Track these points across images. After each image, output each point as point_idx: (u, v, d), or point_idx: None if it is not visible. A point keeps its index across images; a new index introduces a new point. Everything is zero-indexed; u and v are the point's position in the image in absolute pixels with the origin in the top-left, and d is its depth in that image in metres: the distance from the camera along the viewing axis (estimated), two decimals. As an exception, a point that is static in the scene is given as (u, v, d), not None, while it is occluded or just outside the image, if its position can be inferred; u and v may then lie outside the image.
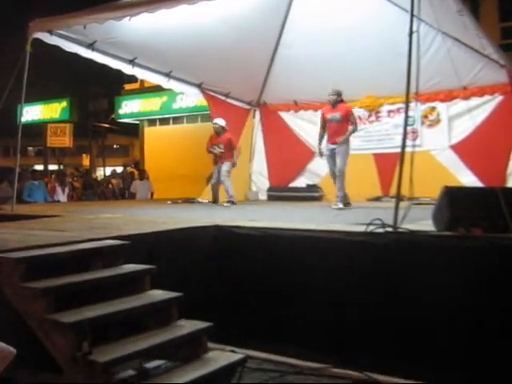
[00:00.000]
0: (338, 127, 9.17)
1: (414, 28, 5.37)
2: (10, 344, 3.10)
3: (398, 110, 11.31)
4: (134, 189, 15.89)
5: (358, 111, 12.11)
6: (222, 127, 10.69)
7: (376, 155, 11.80)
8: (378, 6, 9.60)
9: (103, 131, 33.41)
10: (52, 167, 30.94)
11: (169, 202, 11.19)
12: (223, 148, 10.57)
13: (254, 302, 5.25)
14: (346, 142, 9.18)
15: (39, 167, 27.00)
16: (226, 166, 10.60)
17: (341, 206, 8.89)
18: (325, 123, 9.45)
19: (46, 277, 3.82)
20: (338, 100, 9.25)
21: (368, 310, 4.70)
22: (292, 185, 12.69)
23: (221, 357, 4.00)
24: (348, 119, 9.21)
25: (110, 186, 17.72)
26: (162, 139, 19.80)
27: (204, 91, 12.09)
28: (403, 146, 5.21)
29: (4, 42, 24.98)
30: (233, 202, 10.36)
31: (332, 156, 9.26)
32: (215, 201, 10.75)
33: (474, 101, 10.75)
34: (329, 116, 9.30)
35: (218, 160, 10.70)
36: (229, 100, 12.64)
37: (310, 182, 12.28)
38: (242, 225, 5.74)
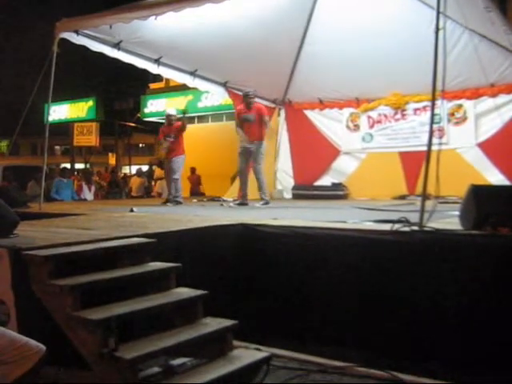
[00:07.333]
0: (252, 127, 9.48)
1: (441, 25, 5.30)
2: (37, 340, 3.14)
3: (424, 107, 11.17)
4: (161, 188, 15.90)
5: (383, 109, 12.08)
6: (172, 115, 10.34)
7: (402, 153, 11.69)
8: (404, 2, 9.54)
9: (129, 130, 33.70)
10: (78, 166, 31.24)
11: (194, 201, 11.23)
12: (173, 137, 9.94)
13: (278, 301, 5.24)
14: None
15: (66, 166, 27.33)
16: (174, 163, 9.93)
17: (263, 202, 9.24)
18: (241, 122, 9.68)
19: (73, 274, 3.86)
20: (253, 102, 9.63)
21: (394, 308, 4.68)
22: (317, 183, 12.64)
23: (246, 355, 4.01)
24: (261, 120, 9.50)
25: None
26: (187, 138, 19.79)
27: (229, 90, 12.12)
28: (429, 144, 5.15)
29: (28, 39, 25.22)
30: (177, 202, 9.67)
31: (244, 154, 9.57)
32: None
33: (502, 98, 10.56)
34: (243, 116, 9.60)
35: (168, 153, 10.07)
36: (254, 98, 12.63)
37: (335, 181, 12.22)
38: (267, 223, 5.73)
